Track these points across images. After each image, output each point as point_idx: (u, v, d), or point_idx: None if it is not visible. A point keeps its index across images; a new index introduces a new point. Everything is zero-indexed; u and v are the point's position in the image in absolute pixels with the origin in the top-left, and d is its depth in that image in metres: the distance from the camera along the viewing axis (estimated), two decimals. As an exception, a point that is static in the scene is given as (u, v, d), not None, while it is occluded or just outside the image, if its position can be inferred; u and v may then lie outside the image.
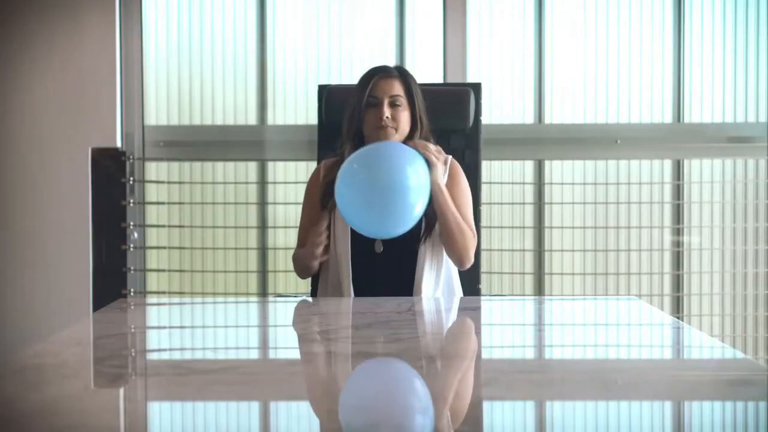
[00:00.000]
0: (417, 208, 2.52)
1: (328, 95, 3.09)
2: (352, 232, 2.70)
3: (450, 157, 2.82)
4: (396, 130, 2.71)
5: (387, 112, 2.69)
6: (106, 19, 3.89)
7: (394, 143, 2.64)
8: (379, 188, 2.49)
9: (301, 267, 2.80)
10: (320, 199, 2.78)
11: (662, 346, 2.08)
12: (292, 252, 2.88)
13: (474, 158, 3.04)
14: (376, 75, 2.74)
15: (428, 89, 2.83)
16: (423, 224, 2.70)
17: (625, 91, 4.02)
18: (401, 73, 2.76)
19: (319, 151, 3.08)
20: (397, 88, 2.73)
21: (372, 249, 2.72)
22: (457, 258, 2.72)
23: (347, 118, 2.76)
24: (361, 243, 2.71)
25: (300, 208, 2.89)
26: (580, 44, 4.02)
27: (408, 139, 2.74)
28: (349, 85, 2.93)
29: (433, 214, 2.67)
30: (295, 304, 2.65)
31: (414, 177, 2.50)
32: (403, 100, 2.73)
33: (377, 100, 2.71)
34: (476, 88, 3.11)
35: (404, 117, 2.72)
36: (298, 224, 2.89)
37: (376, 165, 2.52)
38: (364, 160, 2.55)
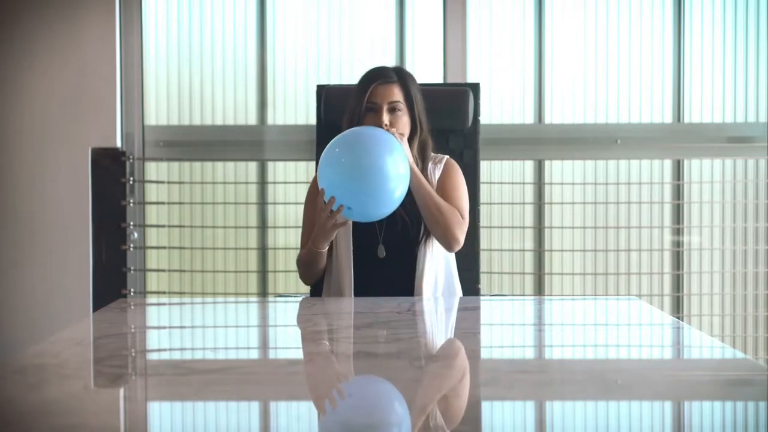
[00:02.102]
0: (396, 192, 2.52)
1: (326, 95, 3.08)
2: (354, 237, 2.70)
3: (447, 156, 2.82)
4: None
5: (386, 118, 2.68)
6: (106, 19, 3.89)
7: (372, 129, 2.63)
8: (361, 172, 2.50)
9: (305, 269, 2.76)
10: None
11: (662, 346, 2.08)
12: (292, 252, 2.88)
13: (473, 158, 3.04)
14: (375, 81, 2.72)
15: (427, 89, 2.83)
16: (422, 227, 2.70)
17: (625, 91, 4.02)
18: (400, 77, 2.74)
19: (318, 151, 3.08)
20: (396, 94, 2.71)
21: (374, 254, 2.71)
22: (443, 238, 2.69)
23: (346, 120, 2.75)
24: (362, 249, 2.71)
25: (300, 209, 2.88)
26: (580, 44, 4.02)
27: (408, 142, 2.73)
28: (348, 85, 2.92)
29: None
30: (296, 304, 2.65)
31: (392, 164, 2.51)
32: (402, 106, 2.71)
33: (376, 106, 2.70)
34: (474, 88, 3.10)
35: (403, 122, 2.71)
36: (298, 225, 2.89)
37: (358, 150, 2.53)
38: (345, 145, 2.56)
